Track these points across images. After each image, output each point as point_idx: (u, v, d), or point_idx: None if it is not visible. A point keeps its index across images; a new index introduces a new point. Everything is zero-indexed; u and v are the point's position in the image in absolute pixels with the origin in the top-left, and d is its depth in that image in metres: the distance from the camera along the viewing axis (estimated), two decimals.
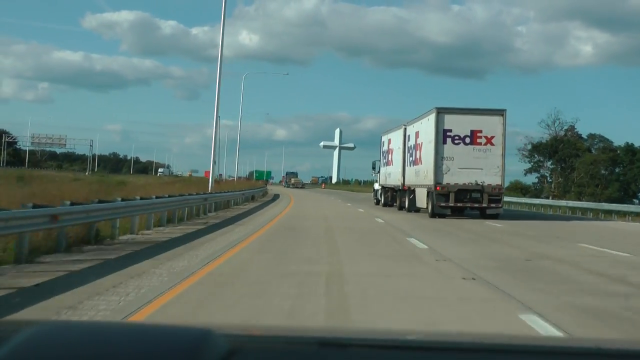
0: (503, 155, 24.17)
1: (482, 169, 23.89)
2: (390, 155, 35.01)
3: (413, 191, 28.01)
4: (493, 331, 5.37)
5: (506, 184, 31.72)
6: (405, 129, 31.06)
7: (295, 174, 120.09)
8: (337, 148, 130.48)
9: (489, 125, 24.25)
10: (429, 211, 24.68)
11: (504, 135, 24.29)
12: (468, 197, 23.90)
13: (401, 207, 30.37)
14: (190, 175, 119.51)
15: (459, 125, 24.30)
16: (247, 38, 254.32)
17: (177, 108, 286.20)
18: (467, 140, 24.22)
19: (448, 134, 24.29)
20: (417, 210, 27.33)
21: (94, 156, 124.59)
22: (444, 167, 24.05)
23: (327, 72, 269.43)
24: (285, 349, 1.29)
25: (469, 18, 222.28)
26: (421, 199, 26.32)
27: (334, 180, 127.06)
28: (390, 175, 34.08)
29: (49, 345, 1.11)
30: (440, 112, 24.58)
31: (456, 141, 24.27)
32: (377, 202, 37.77)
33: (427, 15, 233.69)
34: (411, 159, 29.22)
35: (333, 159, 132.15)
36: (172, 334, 1.23)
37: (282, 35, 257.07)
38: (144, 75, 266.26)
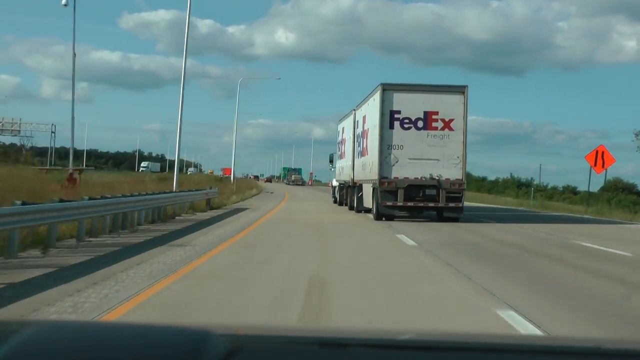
0: (464, 143, 19.47)
1: (438, 159, 19.41)
2: (343, 147, 30.39)
3: (361, 187, 23.62)
4: (493, 332, 5.38)
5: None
6: (354, 113, 26.20)
7: (298, 171, 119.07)
8: None
9: (447, 105, 19.59)
10: (373, 212, 20.41)
11: (465, 117, 19.52)
12: (421, 194, 19.29)
13: (352, 207, 25.39)
14: (211, 172, 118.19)
15: (409, 105, 19.67)
16: (283, 36, 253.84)
17: (215, 107, 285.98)
18: (420, 124, 19.56)
19: (396, 116, 19.64)
20: (368, 210, 22.10)
21: (118, 154, 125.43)
22: (391, 157, 19.49)
23: (363, 70, 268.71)
24: (285, 349, 1.29)
25: (507, 14, 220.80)
26: (368, 197, 21.73)
27: None
28: (343, 169, 29.29)
29: (49, 345, 1.11)
30: (387, 89, 19.88)
31: (406, 125, 19.64)
32: (335, 201, 33.00)
33: (465, 11, 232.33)
34: (359, 149, 24.60)
35: None
36: (172, 334, 1.23)
37: (318, 34, 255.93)
38: (181, 75, 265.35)
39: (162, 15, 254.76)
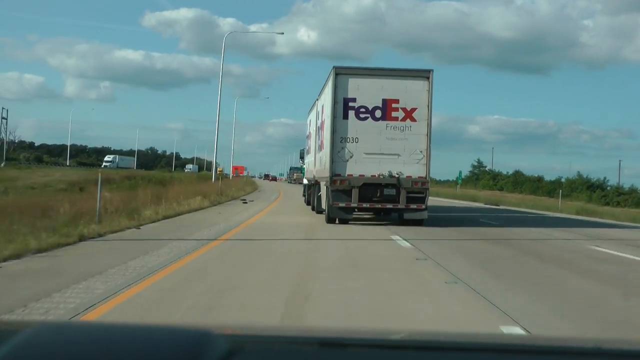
0: (429, 136, 17.01)
1: (398, 154, 16.95)
2: (309, 141, 27.71)
3: (318, 185, 21.35)
4: (493, 332, 5.38)
5: None
6: (317, 103, 23.30)
7: (300, 170, 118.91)
8: None
9: (410, 92, 17.08)
10: (325, 214, 17.91)
11: (429, 106, 17.03)
12: (378, 194, 16.89)
13: (313, 207, 22.74)
14: (220, 171, 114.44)
15: (366, 92, 17.16)
16: (305, 35, 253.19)
17: (237, 106, 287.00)
18: (378, 113, 17.08)
19: (351, 105, 17.12)
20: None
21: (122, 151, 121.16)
22: (345, 152, 16.99)
23: None
24: (285, 349, 1.29)
25: (532, 11, 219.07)
26: (323, 197, 19.04)
27: None
28: (309, 165, 26.90)
29: (48, 346, 1.11)
30: (340, 73, 17.31)
31: (362, 115, 17.12)
32: (305, 200, 28.87)
33: (489, 9, 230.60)
34: (318, 142, 21.91)
35: None
36: (172, 334, 1.23)
37: (340, 32, 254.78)
38: (203, 74, 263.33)
39: (184, 14, 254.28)
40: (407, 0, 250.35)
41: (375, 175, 16.90)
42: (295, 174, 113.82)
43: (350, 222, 17.48)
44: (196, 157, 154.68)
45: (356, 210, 17.64)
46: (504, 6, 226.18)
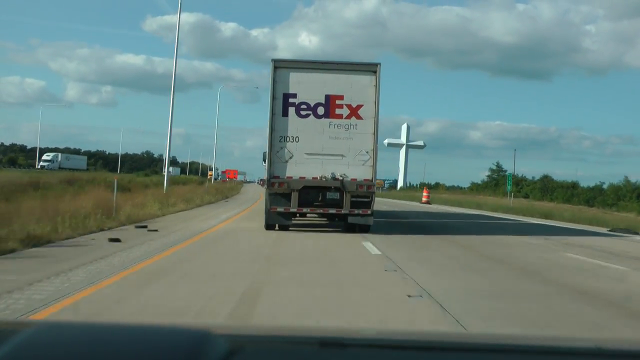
0: (376, 135, 15.84)
1: (343, 155, 15.66)
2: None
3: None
4: (493, 332, 5.38)
5: None
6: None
7: None
8: (404, 147, 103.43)
9: (355, 88, 15.84)
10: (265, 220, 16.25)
11: (377, 103, 15.79)
12: (320, 198, 15.61)
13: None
14: (210, 175, 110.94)
15: (308, 87, 15.83)
16: (306, 40, 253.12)
17: (239, 111, 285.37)
18: (321, 110, 15.77)
19: (291, 101, 15.81)
20: None
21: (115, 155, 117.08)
22: (285, 152, 15.66)
23: (388, 74, 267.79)
24: (285, 349, 1.29)
25: (534, 17, 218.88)
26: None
27: (400, 184, 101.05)
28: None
29: (48, 345, 1.11)
30: (279, 66, 15.99)
31: (303, 112, 15.79)
32: None
33: (491, 14, 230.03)
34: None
35: (399, 161, 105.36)
36: (172, 334, 1.24)
37: (342, 37, 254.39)
38: (205, 78, 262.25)
39: (185, 18, 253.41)
40: (409, 5, 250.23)
41: (317, 178, 15.55)
42: None
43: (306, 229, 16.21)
44: (192, 162, 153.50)
45: (297, 215, 16.29)
46: (506, 11, 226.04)
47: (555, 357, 1.33)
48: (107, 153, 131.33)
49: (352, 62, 16.66)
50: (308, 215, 17.35)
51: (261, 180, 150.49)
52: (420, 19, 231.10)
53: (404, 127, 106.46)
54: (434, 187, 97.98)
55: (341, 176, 15.51)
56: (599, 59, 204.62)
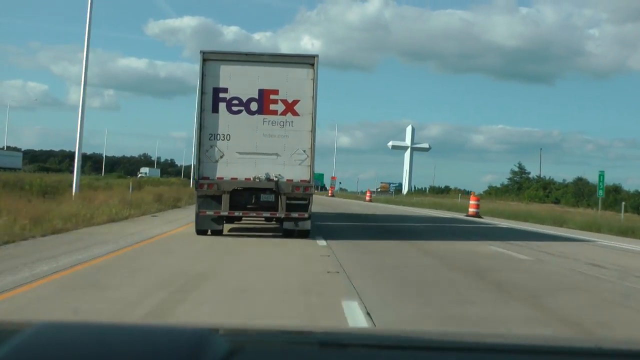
0: (313, 133, 14.67)
1: (278, 154, 14.53)
2: None
3: None
4: (493, 332, 5.38)
5: None
6: None
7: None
8: (409, 149, 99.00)
9: (291, 82, 14.67)
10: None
11: (314, 98, 14.62)
12: (253, 200, 14.45)
13: None
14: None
15: (240, 81, 14.64)
16: (309, 43, 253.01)
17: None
18: (254, 106, 14.58)
19: (222, 95, 14.65)
20: None
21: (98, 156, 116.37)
22: (215, 151, 14.50)
23: (391, 78, 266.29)
24: (285, 349, 1.29)
25: (537, 21, 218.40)
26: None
27: (405, 189, 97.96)
28: None
29: (49, 345, 1.11)
30: (209, 59, 14.70)
31: (235, 108, 14.60)
32: None
33: (494, 18, 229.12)
34: None
35: (404, 164, 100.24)
36: (172, 334, 1.24)
37: (344, 40, 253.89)
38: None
39: (187, 22, 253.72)
40: (412, 9, 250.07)
41: (250, 179, 14.35)
42: None
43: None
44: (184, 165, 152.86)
45: (225, 220, 15.00)
46: (509, 15, 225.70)
47: (555, 357, 1.33)
48: (104, 156, 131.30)
49: (287, 54, 15.69)
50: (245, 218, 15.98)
51: None
52: (423, 22, 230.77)
53: (409, 129, 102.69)
54: (445, 192, 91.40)
55: (276, 177, 14.36)
56: (603, 62, 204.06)
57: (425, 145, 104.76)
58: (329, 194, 70.35)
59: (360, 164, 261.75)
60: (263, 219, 15.26)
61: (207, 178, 14.30)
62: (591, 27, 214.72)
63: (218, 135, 14.48)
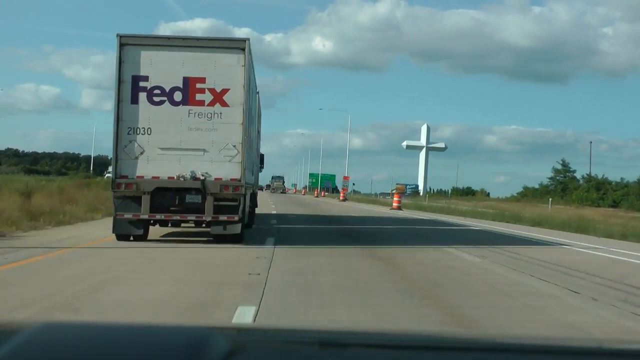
0: (245, 125, 13.18)
1: (205, 150, 13.07)
2: None
3: None
4: (493, 331, 5.38)
5: None
6: None
7: (280, 178, 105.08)
8: (424, 149, 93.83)
9: (220, 69, 13.18)
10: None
11: (246, 87, 13.22)
12: (177, 202, 12.95)
13: None
14: None
15: (162, 68, 13.16)
16: (320, 44, 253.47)
17: None
18: (178, 96, 13.11)
19: (142, 84, 13.09)
20: None
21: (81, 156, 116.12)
22: (135, 147, 12.99)
23: (402, 79, 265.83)
24: (285, 349, 1.29)
25: (550, 19, 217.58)
26: None
27: (421, 190, 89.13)
28: None
29: (49, 345, 1.11)
30: (127, 43, 13.13)
31: (157, 98, 13.10)
32: None
33: (506, 17, 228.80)
34: None
35: (419, 165, 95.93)
36: (172, 334, 1.24)
37: (356, 41, 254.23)
38: None
39: (198, 24, 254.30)
40: (424, 9, 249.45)
41: (173, 178, 12.89)
42: (275, 183, 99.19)
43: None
44: None
45: (151, 222, 13.36)
46: (521, 14, 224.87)
47: (555, 357, 1.33)
48: (109, 158, 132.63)
49: (214, 38, 14.15)
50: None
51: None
52: (434, 22, 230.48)
53: (424, 128, 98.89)
54: (470, 194, 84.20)
55: (203, 175, 12.91)
56: (617, 61, 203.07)
57: (441, 145, 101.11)
58: (341, 197, 60.77)
59: (373, 165, 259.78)
60: (192, 223, 13.59)
61: (126, 177, 12.89)
62: (605, 26, 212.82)
63: (138, 129, 13.02)
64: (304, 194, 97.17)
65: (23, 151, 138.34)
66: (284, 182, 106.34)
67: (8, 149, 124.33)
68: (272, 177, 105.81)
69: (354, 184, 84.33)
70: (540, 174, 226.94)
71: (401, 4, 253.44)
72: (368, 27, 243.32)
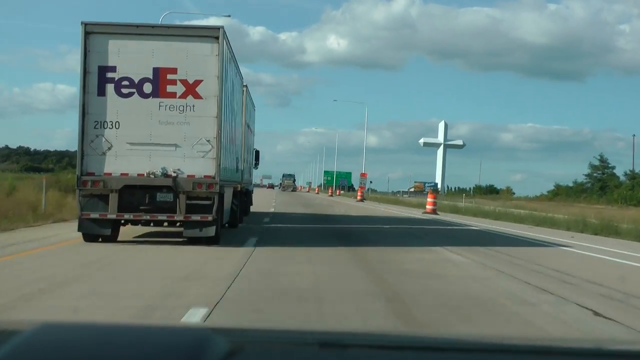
0: (219, 119, 12.42)
1: (177, 145, 12.36)
2: None
3: None
4: (493, 332, 5.38)
5: None
6: None
7: (291, 177, 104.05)
8: (442, 146, 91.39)
9: (192, 59, 12.48)
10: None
11: (221, 78, 12.46)
12: (147, 200, 12.20)
13: None
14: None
15: (131, 58, 12.45)
16: (335, 43, 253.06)
17: (268, 115, 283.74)
18: (148, 88, 12.39)
19: (109, 75, 12.37)
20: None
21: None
22: (102, 141, 12.26)
23: (418, 77, 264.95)
24: (285, 349, 1.29)
25: (566, 17, 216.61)
26: None
27: (440, 188, 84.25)
28: None
29: (49, 346, 1.11)
30: (93, 31, 12.38)
31: (125, 90, 12.40)
32: None
33: (522, 15, 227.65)
34: None
35: (436, 162, 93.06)
36: (172, 334, 1.24)
37: (370, 39, 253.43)
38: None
39: (213, 22, 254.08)
40: (439, 6, 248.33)
41: (143, 175, 12.15)
42: (286, 181, 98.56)
43: None
44: None
45: (122, 222, 12.53)
46: (537, 12, 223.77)
47: (555, 357, 1.33)
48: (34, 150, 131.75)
49: (187, 26, 13.38)
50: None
51: (269, 183, 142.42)
52: (449, 20, 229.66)
53: (441, 125, 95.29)
54: (494, 193, 78.46)
55: (175, 172, 12.18)
56: (634, 58, 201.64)
57: (459, 142, 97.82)
58: (358, 197, 53.80)
59: (389, 163, 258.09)
60: (165, 223, 12.70)
61: (92, 174, 12.12)
62: (622, 23, 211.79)
63: (105, 123, 12.28)
64: (317, 193, 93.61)
65: (35, 149, 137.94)
66: (294, 181, 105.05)
67: (19, 147, 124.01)
68: (283, 175, 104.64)
69: (371, 182, 79.03)
70: (556, 172, 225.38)
71: (416, 2, 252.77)
72: (383, 26, 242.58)
